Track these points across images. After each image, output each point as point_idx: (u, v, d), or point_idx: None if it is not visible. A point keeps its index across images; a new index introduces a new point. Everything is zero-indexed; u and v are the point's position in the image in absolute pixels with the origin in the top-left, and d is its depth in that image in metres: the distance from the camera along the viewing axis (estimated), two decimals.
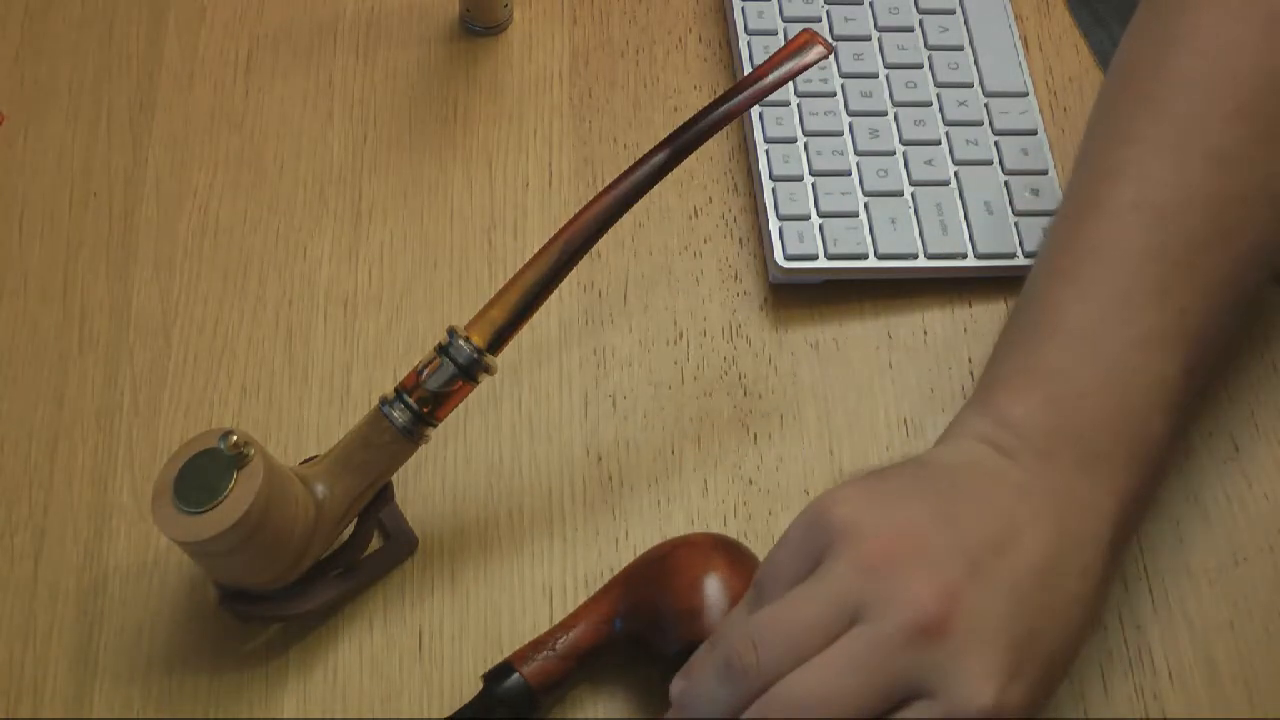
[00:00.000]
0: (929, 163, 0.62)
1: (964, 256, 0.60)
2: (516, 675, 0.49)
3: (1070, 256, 0.51)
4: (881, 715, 0.42)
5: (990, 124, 0.64)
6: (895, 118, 0.64)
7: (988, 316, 0.60)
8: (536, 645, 0.50)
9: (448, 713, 0.51)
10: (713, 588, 0.48)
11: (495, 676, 0.49)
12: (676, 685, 0.45)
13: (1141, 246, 0.49)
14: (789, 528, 0.46)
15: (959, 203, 0.61)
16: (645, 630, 0.49)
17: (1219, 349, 0.51)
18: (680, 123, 0.50)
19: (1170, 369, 0.48)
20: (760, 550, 0.50)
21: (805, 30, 0.52)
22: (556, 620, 0.52)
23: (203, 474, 0.46)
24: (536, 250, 0.49)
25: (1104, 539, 0.46)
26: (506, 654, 0.50)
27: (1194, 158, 0.50)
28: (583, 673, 0.50)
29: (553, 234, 0.49)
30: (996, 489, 0.46)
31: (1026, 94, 0.65)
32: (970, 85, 0.65)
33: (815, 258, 0.60)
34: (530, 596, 0.53)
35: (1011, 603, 0.43)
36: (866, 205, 0.61)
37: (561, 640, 0.49)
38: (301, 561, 0.49)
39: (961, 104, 0.64)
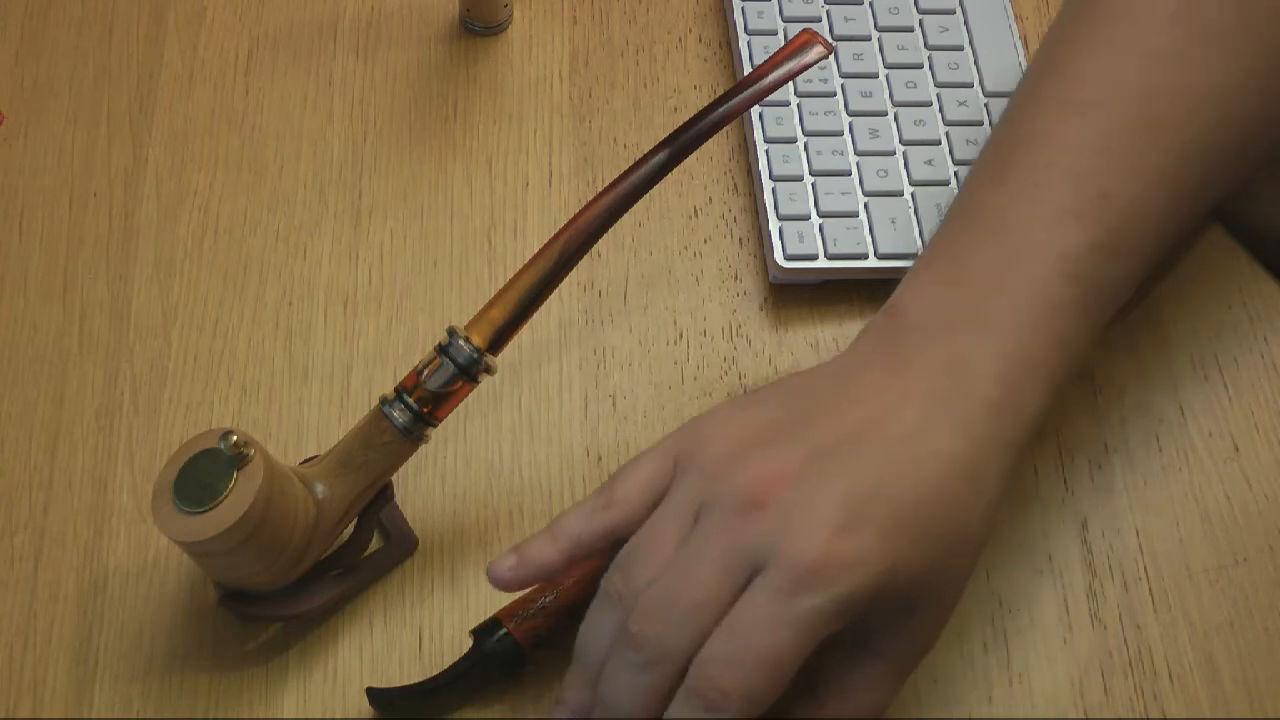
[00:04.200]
0: (929, 163, 0.62)
1: None
2: (505, 631, 0.49)
3: (994, 150, 0.52)
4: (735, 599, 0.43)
5: (990, 124, 0.64)
6: (895, 118, 0.64)
7: None
8: (525, 602, 0.50)
9: None
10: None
11: (484, 633, 0.50)
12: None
13: (1062, 136, 0.50)
14: (644, 451, 0.48)
15: None
16: None
17: (1151, 240, 0.50)
18: (680, 123, 0.50)
19: (1077, 243, 0.48)
20: None
21: (805, 30, 0.52)
22: None
23: (203, 474, 0.46)
24: (536, 250, 0.49)
25: (986, 397, 0.45)
26: None
27: (1129, 55, 0.51)
28: (571, 629, 0.50)
29: (553, 234, 0.49)
30: (866, 381, 0.47)
31: None
32: (970, 85, 0.65)
33: (815, 258, 0.60)
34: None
35: (850, 465, 0.44)
36: (866, 205, 0.61)
37: (550, 597, 0.50)
38: (301, 561, 0.49)
39: (961, 104, 0.64)
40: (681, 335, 0.60)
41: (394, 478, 0.51)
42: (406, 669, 0.52)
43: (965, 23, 0.67)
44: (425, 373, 0.49)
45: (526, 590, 0.51)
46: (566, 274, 0.49)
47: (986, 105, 0.64)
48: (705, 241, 0.62)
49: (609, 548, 0.47)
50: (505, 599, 0.51)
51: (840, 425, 0.45)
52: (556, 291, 0.50)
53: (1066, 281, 0.47)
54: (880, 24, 0.67)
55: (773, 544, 0.43)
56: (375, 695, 0.50)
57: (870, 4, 0.67)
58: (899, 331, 0.48)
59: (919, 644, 0.46)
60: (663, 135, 0.51)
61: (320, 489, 0.49)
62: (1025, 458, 0.47)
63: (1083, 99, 0.51)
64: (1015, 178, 0.50)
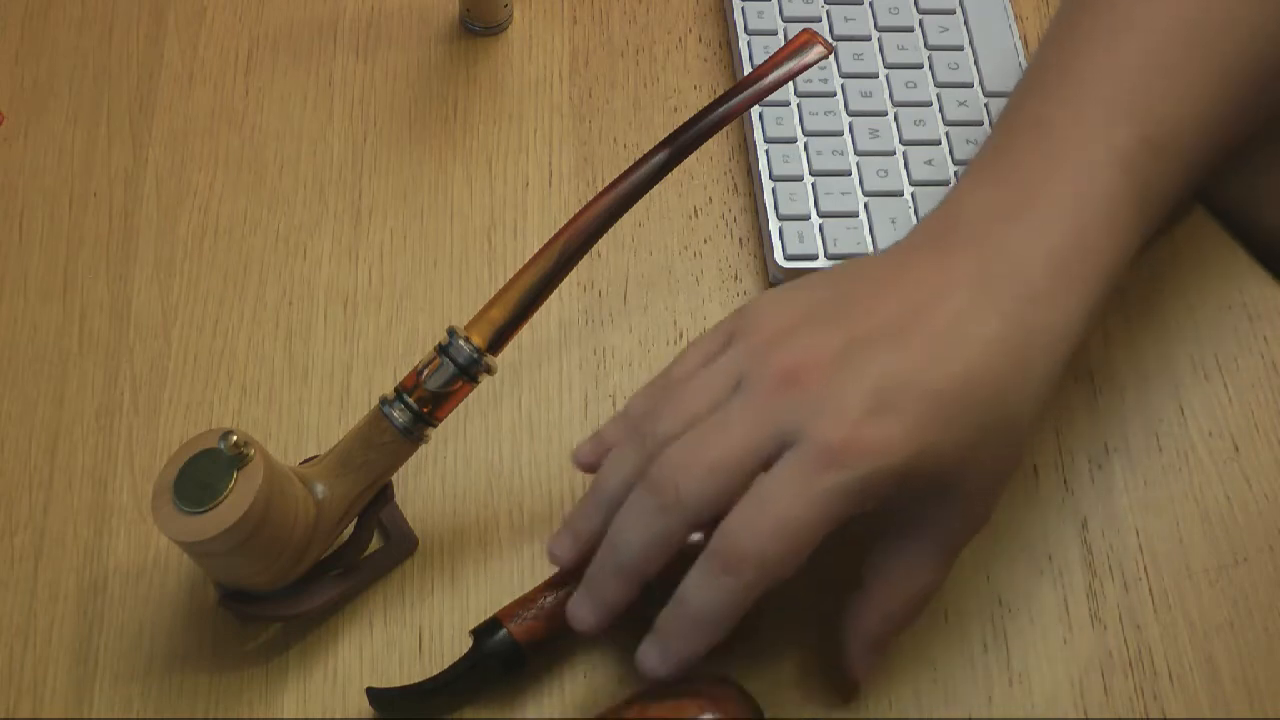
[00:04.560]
0: (929, 163, 0.62)
1: None
2: (505, 631, 0.49)
3: (1035, 75, 0.53)
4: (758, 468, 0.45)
5: (990, 124, 0.64)
6: (895, 118, 0.64)
7: None
8: (525, 602, 0.50)
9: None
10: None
11: (484, 633, 0.50)
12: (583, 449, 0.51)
13: (1104, 55, 0.51)
14: (706, 331, 0.50)
15: None
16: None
17: (1199, 142, 0.51)
18: (680, 123, 0.50)
19: (1128, 138, 0.49)
20: None
21: (805, 30, 0.52)
22: None
23: (203, 474, 0.46)
24: (536, 250, 0.49)
25: (1035, 286, 0.46)
26: None
27: None
28: (571, 631, 0.50)
29: (553, 234, 0.49)
30: (915, 269, 0.48)
31: None
32: (970, 85, 0.65)
33: (815, 258, 0.60)
34: None
35: (887, 352, 0.45)
36: (866, 205, 0.61)
37: (550, 598, 0.50)
38: (301, 561, 0.49)
39: (961, 104, 0.64)
40: (681, 335, 0.60)
41: (394, 478, 0.51)
42: (406, 669, 0.52)
43: (965, 23, 0.67)
44: (425, 373, 0.49)
45: (527, 590, 0.51)
46: (566, 274, 0.49)
47: (986, 105, 0.64)
48: (705, 241, 0.62)
49: None
50: (505, 599, 0.51)
51: (882, 312, 0.46)
52: (556, 291, 0.50)
53: (1119, 172, 0.48)
54: (880, 24, 0.67)
55: (802, 421, 0.44)
56: (375, 695, 0.50)
57: (870, 4, 0.67)
58: (949, 223, 0.49)
59: (957, 527, 0.48)
60: (663, 135, 0.51)
61: (320, 489, 0.49)
62: (1079, 353, 0.48)
63: (1126, 15, 0.51)
64: (1063, 84, 0.51)
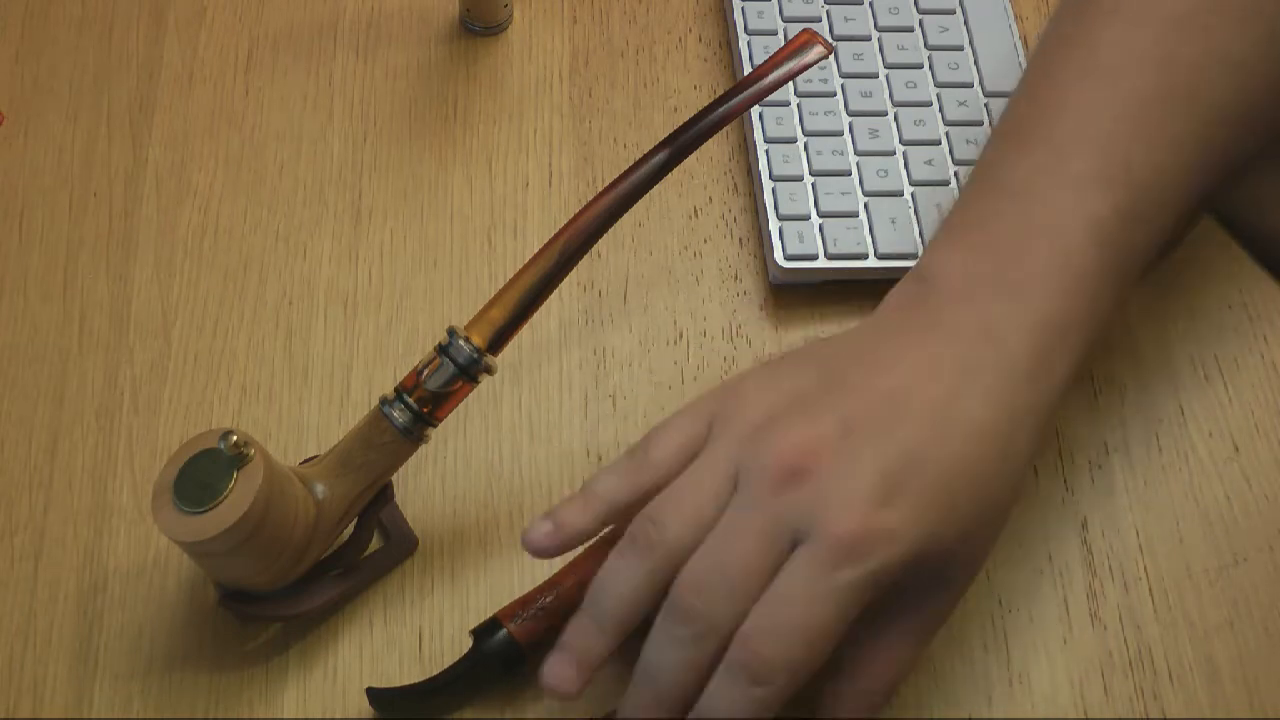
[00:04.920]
0: (929, 163, 0.62)
1: None
2: (505, 631, 0.49)
3: (1015, 118, 0.52)
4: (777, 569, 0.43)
5: (990, 124, 0.64)
6: (895, 118, 0.64)
7: None
8: (525, 602, 0.50)
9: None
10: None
11: (484, 633, 0.50)
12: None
13: (1084, 104, 0.50)
14: (678, 411, 0.48)
15: None
16: None
17: (1174, 205, 0.50)
18: (680, 123, 0.50)
19: (1104, 208, 0.48)
20: None
21: (805, 30, 0.52)
22: None
23: (203, 474, 0.46)
24: (536, 250, 0.49)
25: (1017, 366, 0.46)
26: None
27: (1146, 25, 0.51)
28: None
29: (553, 234, 0.49)
30: (895, 347, 0.47)
31: None
32: (970, 85, 0.65)
33: (815, 258, 0.60)
34: None
35: (886, 436, 0.44)
36: (866, 205, 0.61)
37: (549, 598, 0.50)
38: (301, 561, 0.49)
39: (961, 104, 0.64)
40: (681, 335, 0.60)
41: (394, 478, 0.51)
42: (406, 669, 0.52)
43: (965, 23, 0.67)
44: (425, 373, 0.48)
45: (526, 590, 0.51)
46: (566, 274, 0.49)
47: (986, 105, 0.64)
48: (705, 241, 0.62)
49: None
50: (505, 599, 0.51)
51: (873, 393, 0.45)
52: (556, 291, 0.50)
53: (1095, 247, 0.47)
54: (880, 24, 0.67)
55: (812, 517, 0.43)
56: (375, 695, 0.50)
57: (870, 4, 0.67)
58: (927, 297, 0.48)
59: (942, 612, 0.47)
60: (663, 135, 0.51)
61: (320, 489, 0.49)
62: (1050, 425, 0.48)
63: (1101, 67, 0.51)
64: (1039, 146, 0.50)
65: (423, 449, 0.50)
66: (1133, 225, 0.48)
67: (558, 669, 0.45)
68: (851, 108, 0.64)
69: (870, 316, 0.49)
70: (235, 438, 0.45)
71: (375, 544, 0.54)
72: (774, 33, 0.66)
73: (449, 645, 0.52)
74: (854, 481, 0.43)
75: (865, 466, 0.44)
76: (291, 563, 0.49)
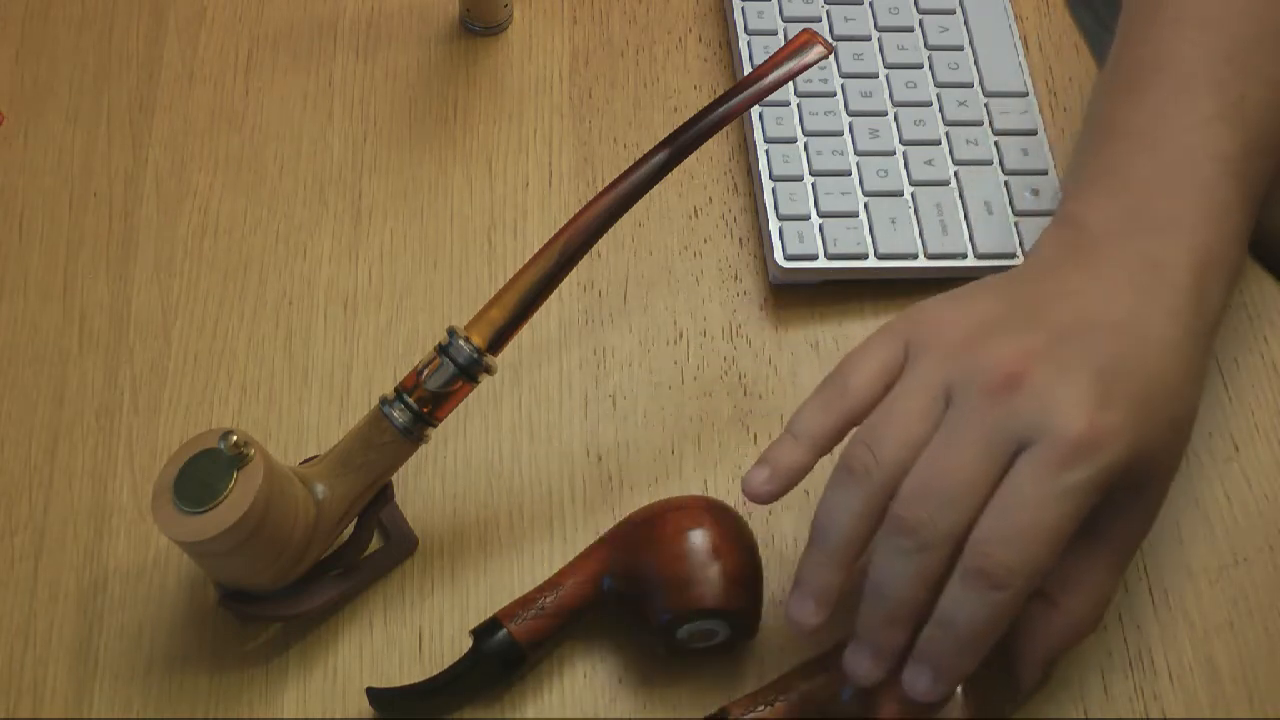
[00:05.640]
0: (929, 163, 0.62)
1: (964, 256, 0.60)
2: (505, 631, 0.49)
3: (1121, 74, 0.54)
4: (1000, 477, 0.44)
5: (990, 124, 0.64)
6: (895, 118, 0.64)
7: None
8: (525, 602, 0.50)
9: None
10: (702, 556, 0.49)
11: (484, 633, 0.50)
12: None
13: (1189, 51, 0.52)
14: (868, 339, 0.49)
15: (959, 203, 0.61)
16: (634, 598, 0.49)
17: None
18: (680, 123, 0.50)
19: (1231, 146, 0.50)
20: (759, 536, 0.51)
21: (805, 30, 0.52)
22: None
23: (203, 474, 0.46)
24: (536, 250, 0.49)
25: (1186, 290, 0.47)
26: None
27: None
28: (571, 629, 0.50)
29: (553, 234, 0.49)
30: (1071, 277, 0.48)
31: (1026, 94, 0.65)
32: (970, 85, 0.65)
33: (815, 258, 0.60)
34: None
35: (1089, 347, 0.45)
36: (866, 205, 0.61)
37: (550, 598, 0.50)
38: (301, 561, 0.49)
39: (961, 104, 0.64)
40: (681, 335, 0.60)
41: (394, 478, 0.51)
42: (406, 669, 0.52)
43: (965, 23, 0.67)
44: (425, 373, 0.49)
45: (526, 590, 0.51)
46: (566, 274, 0.49)
47: (986, 105, 0.64)
48: (705, 241, 0.62)
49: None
50: (505, 599, 0.51)
51: (1064, 313, 0.47)
52: (556, 291, 0.50)
53: (1230, 180, 0.49)
54: (880, 24, 0.67)
55: (1036, 421, 0.44)
56: (375, 695, 0.50)
57: (870, 4, 0.67)
58: (1083, 238, 0.50)
59: (1138, 529, 0.48)
60: (663, 135, 0.51)
61: (320, 489, 0.49)
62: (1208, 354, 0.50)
63: (1196, 17, 0.53)
64: (1150, 93, 0.52)
65: (423, 449, 0.50)
66: (1258, 157, 0.50)
67: (798, 605, 0.46)
68: (851, 108, 0.64)
69: (1028, 260, 0.51)
70: (235, 438, 0.46)
71: (375, 544, 0.54)
72: (774, 33, 0.66)
73: (449, 645, 0.52)
74: (1073, 387, 0.44)
75: (1080, 373, 0.45)
76: (291, 563, 0.49)
